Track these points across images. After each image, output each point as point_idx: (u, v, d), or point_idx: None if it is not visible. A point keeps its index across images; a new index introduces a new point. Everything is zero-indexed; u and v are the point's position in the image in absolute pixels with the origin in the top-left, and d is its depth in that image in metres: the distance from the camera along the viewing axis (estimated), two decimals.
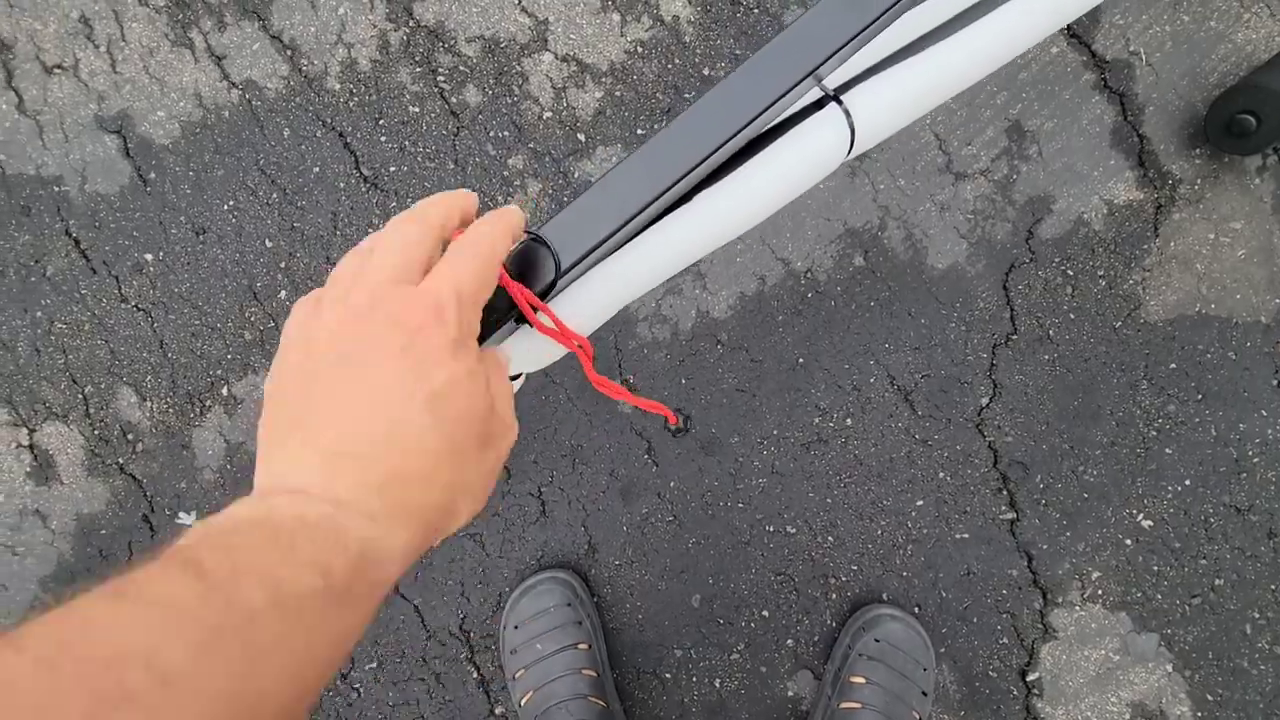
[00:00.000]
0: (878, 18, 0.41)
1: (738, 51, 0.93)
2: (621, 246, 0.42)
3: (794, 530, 0.90)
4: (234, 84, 0.94)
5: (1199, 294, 0.90)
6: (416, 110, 0.93)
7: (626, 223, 0.39)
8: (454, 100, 0.93)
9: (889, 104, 0.47)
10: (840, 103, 0.47)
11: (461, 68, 0.93)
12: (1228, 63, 0.91)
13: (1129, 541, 0.89)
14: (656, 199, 0.40)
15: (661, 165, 0.40)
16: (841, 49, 0.41)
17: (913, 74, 0.48)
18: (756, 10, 0.93)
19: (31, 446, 0.93)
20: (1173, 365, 0.90)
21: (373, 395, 0.28)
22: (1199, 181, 0.90)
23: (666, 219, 0.43)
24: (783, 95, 0.41)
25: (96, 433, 0.93)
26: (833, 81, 0.48)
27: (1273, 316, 0.89)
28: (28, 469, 0.93)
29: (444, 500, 0.29)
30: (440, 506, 0.29)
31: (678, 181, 0.40)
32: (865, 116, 0.47)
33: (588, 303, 0.43)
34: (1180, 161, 0.90)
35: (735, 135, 0.41)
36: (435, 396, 0.29)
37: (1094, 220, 0.91)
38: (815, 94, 0.47)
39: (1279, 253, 0.89)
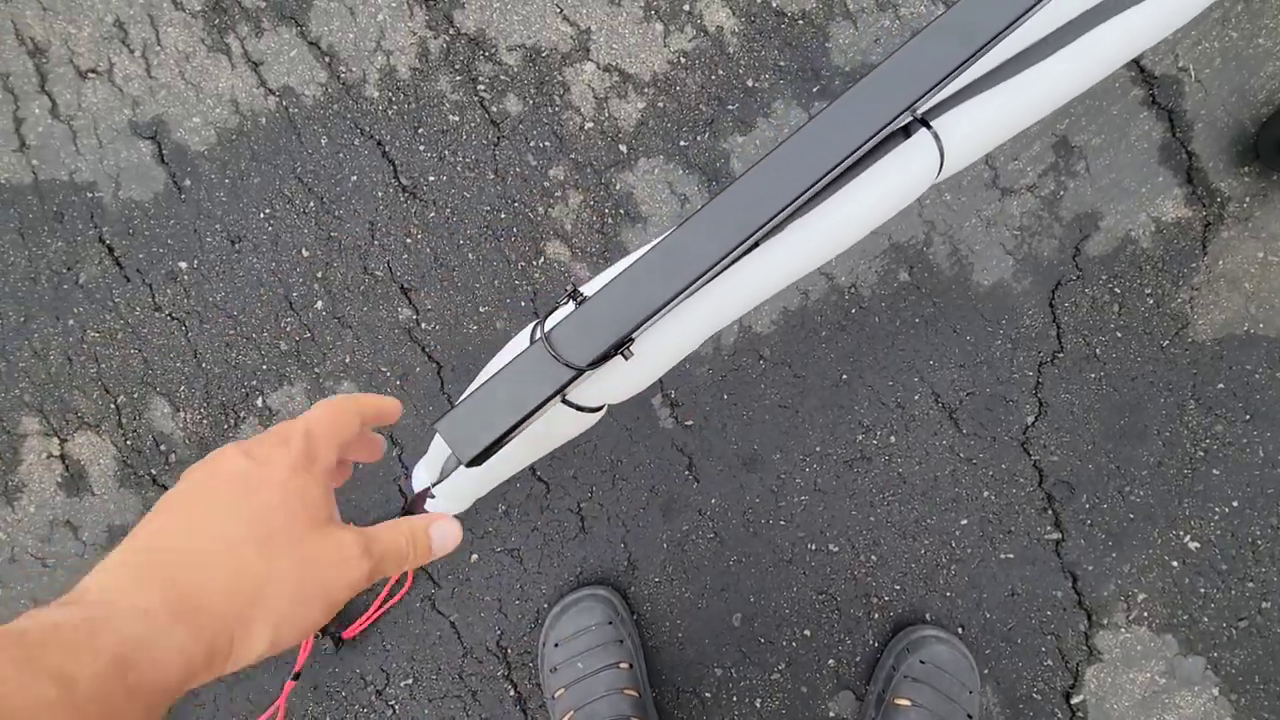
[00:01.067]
0: (982, 47, 0.40)
1: (781, 63, 0.92)
2: (717, 277, 0.41)
3: (836, 549, 0.89)
4: (271, 90, 0.93)
5: (1247, 313, 0.89)
6: (456, 119, 0.92)
7: (729, 253, 0.38)
8: (494, 109, 0.92)
9: (980, 128, 0.46)
10: (930, 127, 0.46)
11: (502, 76, 0.92)
12: (1276, 80, 0.90)
13: (1175, 563, 0.88)
14: (755, 232, 0.39)
15: (761, 198, 0.39)
16: (944, 80, 0.40)
17: (1003, 97, 0.47)
18: (801, 21, 0.92)
19: (63, 456, 0.92)
20: (1220, 385, 0.89)
21: (193, 503, 0.30)
22: (1248, 199, 0.89)
23: (761, 248, 0.42)
24: (883, 129, 0.40)
25: (129, 443, 0.92)
26: (921, 105, 0.47)
27: None
28: (59, 479, 0.92)
29: (232, 600, 0.28)
30: (227, 608, 0.28)
31: (776, 215, 0.39)
32: (955, 140, 0.46)
33: (680, 333, 0.42)
34: (1229, 179, 0.90)
35: (834, 168, 0.39)
36: (251, 506, 0.30)
37: (1142, 238, 0.90)
38: (904, 118, 0.46)
39: None
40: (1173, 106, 0.90)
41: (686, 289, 0.39)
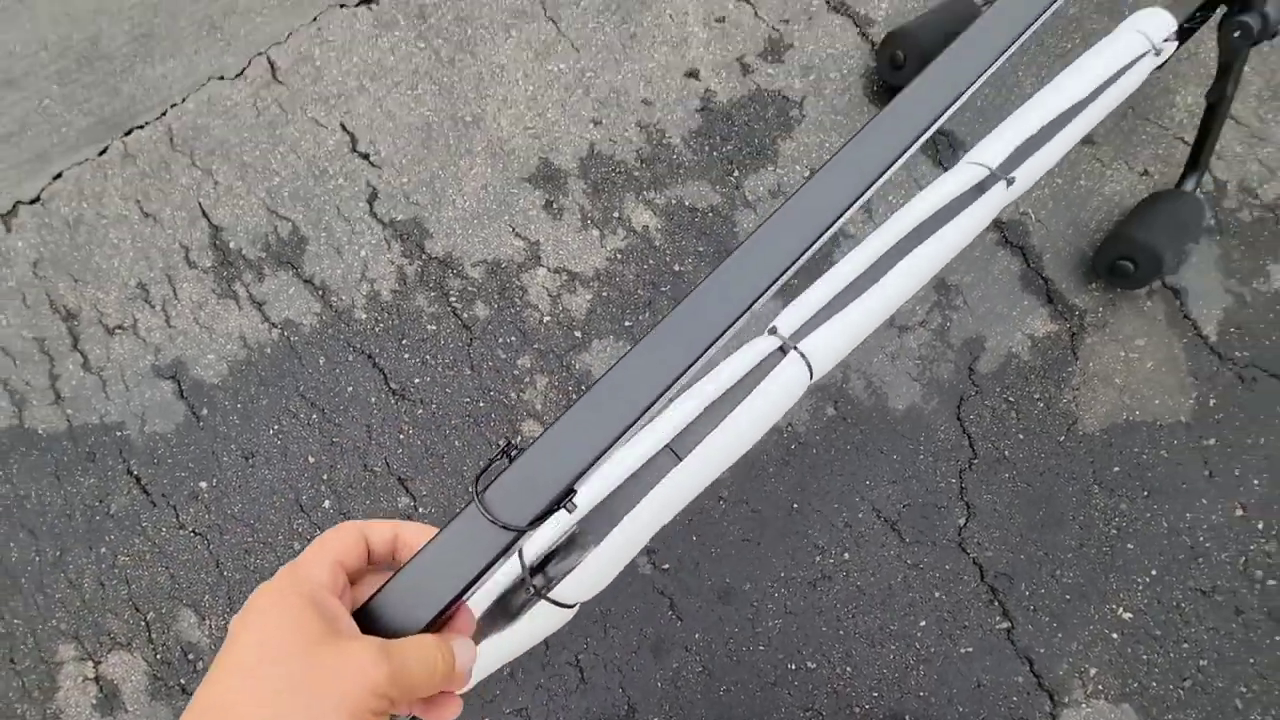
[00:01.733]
0: (809, 247, 0.53)
1: (700, 248, 1.10)
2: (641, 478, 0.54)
3: (814, 665, 0.98)
4: (273, 324, 1.09)
5: (1123, 403, 1.04)
6: (434, 328, 1.08)
7: (653, 402, 0.45)
8: (465, 316, 1.09)
9: (839, 341, 0.62)
10: (797, 349, 0.62)
11: (470, 288, 1.10)
12: (1101, 211, 1.10)
13: (1115, 635, 0.98)
14: (670, 384, 0.47)
15: (612, 410, 0.42)
16: (780, 277, 0.48)
17: (856, 312, 0.63)
18: (710, 214, 1.11)
19: (97, 678, 0.99)
20: (1116, 468, 1.02)
21: (217, 664, 0.31)
22: (1100, 310, 1.07)
23: (668, 479, 0.55)
24: (729, 327, 0.44)
25: (159, 656, 1.00)
26: (786, 331, 0.63)
27: (1190, 414, 1.03)
28: (94, 701, 0.99)
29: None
30: None
31: (630, 425, 0.44)
32: (820, 355, 0.62)
33: (596, 570, 0.54)
34: (1082, 295, 1.08)
35: (689, 367, 0.43)
36: (254, 640, 0.31)
37: (1022, 352, 1.06)
38: (774, 343, 0.62)
39: (1181, 360, 1.05)
40: (1023, 243, 1.09)
41: (619, 438, 0.41)
